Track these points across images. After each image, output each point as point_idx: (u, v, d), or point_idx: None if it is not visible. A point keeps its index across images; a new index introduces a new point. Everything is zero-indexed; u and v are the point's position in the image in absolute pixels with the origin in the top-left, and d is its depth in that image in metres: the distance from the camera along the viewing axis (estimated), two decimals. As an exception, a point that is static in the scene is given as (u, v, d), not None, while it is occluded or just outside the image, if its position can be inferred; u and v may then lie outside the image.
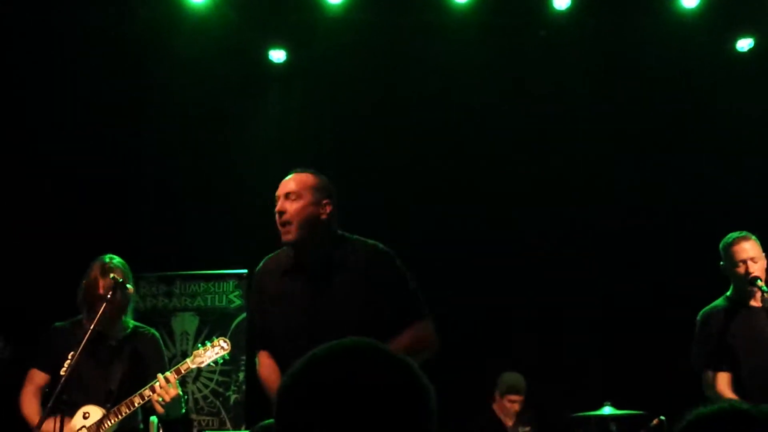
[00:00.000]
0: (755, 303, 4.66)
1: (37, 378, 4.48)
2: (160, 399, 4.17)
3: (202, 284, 7.00)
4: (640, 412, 5.38)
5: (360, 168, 6.92)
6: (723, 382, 4.58)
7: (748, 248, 4.61)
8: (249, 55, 7.17)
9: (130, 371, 4.44)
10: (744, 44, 7.03)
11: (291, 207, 3.47)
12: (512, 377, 6.47)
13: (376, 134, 7.15)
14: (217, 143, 7.18)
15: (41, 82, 6.79)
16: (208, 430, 6.59)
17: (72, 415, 4.28)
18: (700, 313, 4.78)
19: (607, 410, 5.54)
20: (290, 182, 3.55)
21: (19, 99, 6.76)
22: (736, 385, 4.56)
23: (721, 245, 4.73)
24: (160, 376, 4.20)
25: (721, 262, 4.73)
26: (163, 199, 7.14)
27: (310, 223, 3.48)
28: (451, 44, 6.99)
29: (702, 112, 7.09)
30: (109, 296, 4.25)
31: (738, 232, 4.69)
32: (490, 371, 6.59)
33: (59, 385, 4.02)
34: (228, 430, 6.60)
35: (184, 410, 4.43)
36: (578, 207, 7.05)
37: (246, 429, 6.24)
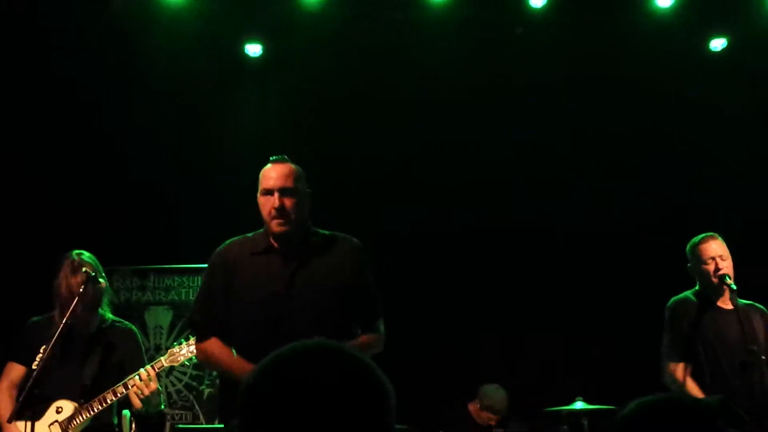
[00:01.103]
0: (723, 304, 4.71)
1: (14, 372, 4.45)
2: (139, 392, 4.16)
3: (176, 278, 6.98)
4: (612, 407, 5.42)
5: (337, 162, 6.92)
6: (686, 372, 4.64)
7: (716, 247, 4.68)
8: (225, 48, 7.14)
9: (106, 365, 4.42)
10: (717, 44, 7.10)
11: (289, 203, 3.56)
12: (495, 396, 6.46)
13: (353, 129, 7.15)
14: (193, 137, 7.15)
15: (15, 73, 6.73)
16: (181, 424, 6.57)
17: (45, 409, 4.26)
18: (670, 301, 4.84)
19: (579, 405, 5.58)
20: (283, 177, 3.59)
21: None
22: (699, 383, 4.62)
23: (688, 246, 4.81)
24: (141, 370, 4.20)
25: (689, 264, 4.79)
26: (138, 192, 7.09)
27: (304, 215, 3.63)
28: (428, 40, 6.99)
29: (676, 111, 7.16)
30: (81, 291, 4.24)
31: (705, 233, 4.75)
32: (463, 367, 6.63)
33: (31, 380, 4.01)
34: (201, 424, 6.59)
35: (163, 406, 4.42)
36: (551, 203, 7.09)
37: (219, 423, 6.22)
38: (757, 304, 4.77)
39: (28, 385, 4.01)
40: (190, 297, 6.92)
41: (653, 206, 7.07)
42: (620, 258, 6.84)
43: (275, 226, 3.55)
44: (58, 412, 4.27)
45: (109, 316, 4.58)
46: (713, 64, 7.13)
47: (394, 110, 7.18)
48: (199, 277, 6.94)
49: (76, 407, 4.27)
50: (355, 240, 3.71)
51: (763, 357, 4.45)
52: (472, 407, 6.56)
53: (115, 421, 4.49)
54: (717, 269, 4.63)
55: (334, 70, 7.10)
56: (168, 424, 6.56)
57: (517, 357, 6.79)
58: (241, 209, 6.76)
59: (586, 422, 5.58)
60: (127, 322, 4.68)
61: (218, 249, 3.71)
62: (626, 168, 7.20)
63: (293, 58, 7.18)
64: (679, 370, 4.67)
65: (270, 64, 7.22)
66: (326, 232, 3.71)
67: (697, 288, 4.82)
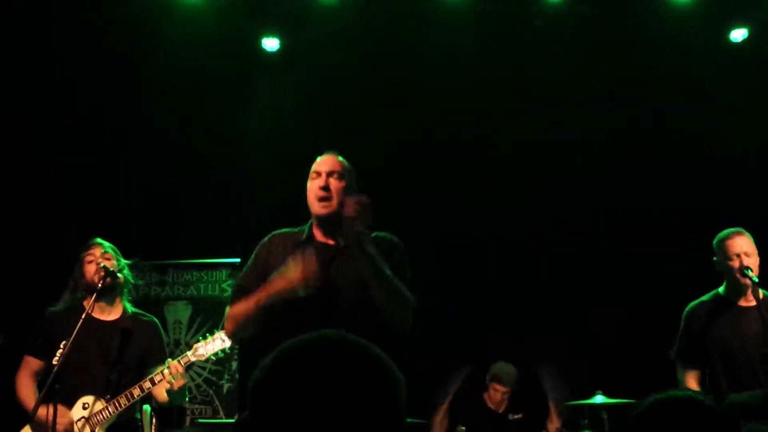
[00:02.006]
0: (746, 302, 4.65)
1: (32, 364, 4.47)
2: (169, 386, 4.18)
3: (195, 273, 7.00)
4: (632, 401, 5.39)
5: (353, 156, 6.90)
6: (692, 380, 4.69)
7: (742, 243, 4.61)
8: (242, 43, 7.15)
9: (129, 358, 4.44)
10: (738, 34, 7.02)
11: (335, 184, 3.61)
12: (500, 367, 6.49)
13: (369, 122, 7.13)
14: (211, 131, 7.16)
15: (34, 68, 6.77)
16: (201, 418, 6.60)
17: (70, 403, 4.28)
18: (687, 307, 4.82)
19: (599, 399, 5.55)
20: (334, 162, 3.69)
21: (10, 84, 6.74)
22: (713, 383, 4.63)
23: (715, 241, 4.73)
24: (170, 361, 4.22)
25: (714, 258, 4.74)
26: (156, 187, 7.12)
27: None
28: (445, 32, 6.97)
29: (696, 102, 7.09)
30: (100, 285, 4.27)
31: (732, 228, 4.69)
32: (483, 360, 6.61)
33: (51, 375, 4.03)
34: (221, 419, 6.61)
35: (187, 399, 4.44)
36: (570, 195, 7.06)
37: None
38: None
39: (49, 381, 4.03)
40: (209, 292, 6.95)
41: (675, 198, 7.01)
42: (641, 252, 6.79)
43: (318, 207, 3.57)
44: (84, 408, 4.28)
45: (130, 308, 4.60)
46: (734, 55, 7.06)
47: (411, 104, 7.16)
48: (218, 272, 6.97)
49: (102, 402, 4.29)
50: (396, 238, 3.73)
51: None
52: (486, 393, 6.54)
53: (138, 416, 4.50)
54: (741, 266, 4.56)
55: (351, 64, 7.09)
56: (188, 419, 6.59)
57: (537, 350, 6.76)
58: (259, 204, 6.83)
59: (605, 416, 5.55)
60: (149, 315, 4.71)
61: (263, 239, 3.74)
62: (644, 160, 7.15)
63: (310, 53, 7.17)
64: (687, 374, 4.72)
65: (287, 58, 7.22)
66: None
67: (719, 290, 4.76)
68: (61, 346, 4.16)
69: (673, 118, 7.11)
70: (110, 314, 4.52)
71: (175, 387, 4.18)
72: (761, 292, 4.57)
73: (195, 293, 6.95)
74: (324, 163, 3.69)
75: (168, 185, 7.13)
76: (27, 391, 4.40)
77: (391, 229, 3.80)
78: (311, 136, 6.90)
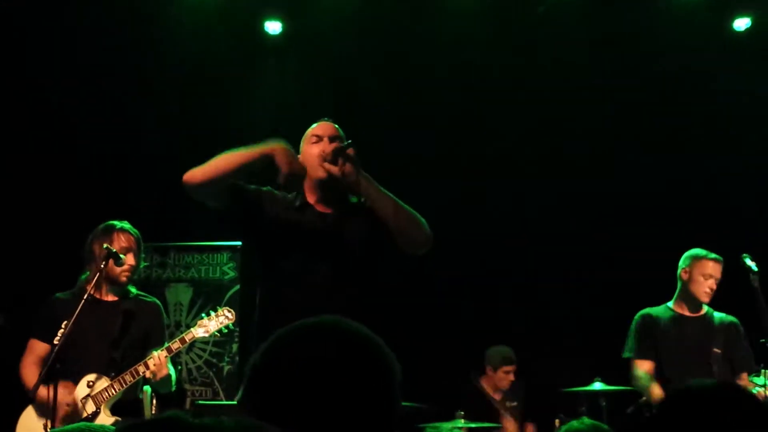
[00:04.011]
0: (692, 314, 5.18)
1: (37, 348, 4.48)
2: (152, 377, 4.23)
3: (196, 255, 7.01)
4: (631, 388, 5.42)
5: (357, 139, 6.89)
6: (650, 368, 5.14)
7: (719, 269, 5.07)
8: (244, 26, 7.14)
9: (132, 339, 4.46)
10: (741, 23, 7.01)
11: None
12: (503, 349, 6.53)
13: (373, 106, 7.11)
14: (214, 114, 7.15)
15: (38, 51, 6.77)
16: (201, 400, 6.63)
17: (74, 382, 4.30)
18: (638, 314, 5.28)
19: (598, 386, 5.57)
20: (333, 128, 3.75)
21: (16, 66, 6.73)
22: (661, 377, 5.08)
23: (692, 254, 5.15)
24: (154, 353, 4.25)
25: (683, 267, 5.14)
26: (159, 169, 7.11)
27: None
28: (450, 17, 6.97)
29: (699, 91, 7.08)
30: (102, 266, 4.28)
31: (711, 252, 5.09)
32: (479, 346, 6.63)
33: (52, 355, 4.05)
34: (221, 400, 6.64)
35: (174, 388, 4.47)
36: (575, 181, 7.06)
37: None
38: (731, 318, 5.19)
39: (50, 360, 4.05)
40: (210, 275, 6.96)
41: (679, 190, 7.00)
42: (643, 238, 6.79)
43: (322, 171, 3.57)
44: (89, 386, 4.30)
45: (133, 290, 4.62)
46: (737, 44, 7.06)
47: (414, 89, 7.15)
48: (219, 255, 6.98)
49: (107, 380, 4.31)
50: None
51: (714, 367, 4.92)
52: (486, 380, 6.55)
53: (140, 396, 4.53)
54: (711, 289, 5.07)
55: (355, 48, 7.08)
56: (188, 401, 6.62)
57: (535, 337, 6.78)
58: (261, 187, 6.82)
59: (604, 403, 5.57)
60: (151, 296, 4.73)
61: (262, 186, 3.75)
62: (647, 150, 7.14)
63: (313, 36, 7.15)
64: (639, 367, 5.18)
65: (290, 41, 7.20)
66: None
67: (669, 304, 5.24)
68: (63, 326, 4.17)
69: (677, 107, 7.11)
70: (113, 295, 4.54)
71: (157, 378, 4.25)
72: (705, 308, 5.20)
73: (196, 275, 6.96)
74: (325, 128, 3.73)
75: (171, 167, 7.10)
76: (31, 374, 4.41)
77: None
78: (313, 119, 6.87)
